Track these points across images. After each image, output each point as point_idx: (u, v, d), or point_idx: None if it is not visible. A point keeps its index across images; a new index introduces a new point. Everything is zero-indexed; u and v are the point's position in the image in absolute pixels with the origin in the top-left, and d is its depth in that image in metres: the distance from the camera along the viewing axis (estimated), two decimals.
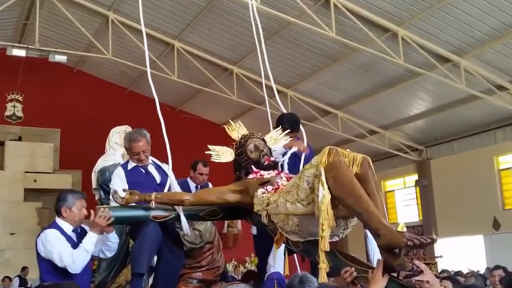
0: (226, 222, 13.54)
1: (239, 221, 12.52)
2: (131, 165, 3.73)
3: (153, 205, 3.21)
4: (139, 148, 3.67)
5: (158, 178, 3.70)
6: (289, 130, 3.65)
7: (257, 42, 4.60)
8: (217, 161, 3.37)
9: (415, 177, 13.75)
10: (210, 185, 4.66)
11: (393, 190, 14.68)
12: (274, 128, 3.70)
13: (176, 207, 3.31)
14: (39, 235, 3.22)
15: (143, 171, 3.73)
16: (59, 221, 3.27)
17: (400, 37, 9.13)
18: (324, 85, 11.76)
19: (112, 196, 3.30)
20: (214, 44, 11.23)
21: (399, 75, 10.62)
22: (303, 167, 2.94)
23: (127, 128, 4.90)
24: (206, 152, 3.35)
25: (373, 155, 14.43)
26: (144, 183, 3.60)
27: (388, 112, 12.25)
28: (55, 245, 3.12)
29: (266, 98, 4.44)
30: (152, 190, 3.40)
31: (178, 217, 3.31)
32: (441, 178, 12.96)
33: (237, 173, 3.40)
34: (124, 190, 3.32)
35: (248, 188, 3.12)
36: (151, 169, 3.73)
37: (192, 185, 4.75)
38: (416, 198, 13.89)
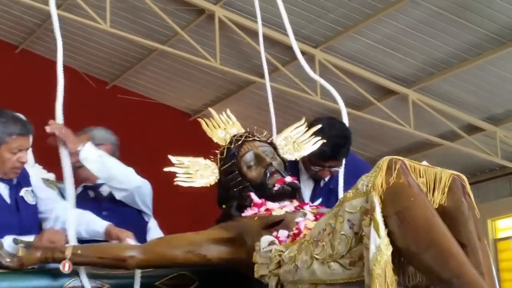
0: None
1: None
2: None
3: (68, 269, 3.25)
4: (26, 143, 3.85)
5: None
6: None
7: None
8: (186, 185, 3.40)
9: None
10: None
11: (511, 237, 14.68)
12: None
13: (112, 271, 3.39)
14: None
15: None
16: None
17: None
18: (382, 43, 11.78)
19: None
20: None
21: None
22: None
23: None
24: (166, 169, 3.38)
25: (473, 170, 14.54)
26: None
27: (502, 92, 12.27)
28: None
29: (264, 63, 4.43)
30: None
31: None
32: None
33: (224, 206, 3.45)
34: (16, 242, 3.38)
35: (243, 234, 3.19)
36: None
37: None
38: None
